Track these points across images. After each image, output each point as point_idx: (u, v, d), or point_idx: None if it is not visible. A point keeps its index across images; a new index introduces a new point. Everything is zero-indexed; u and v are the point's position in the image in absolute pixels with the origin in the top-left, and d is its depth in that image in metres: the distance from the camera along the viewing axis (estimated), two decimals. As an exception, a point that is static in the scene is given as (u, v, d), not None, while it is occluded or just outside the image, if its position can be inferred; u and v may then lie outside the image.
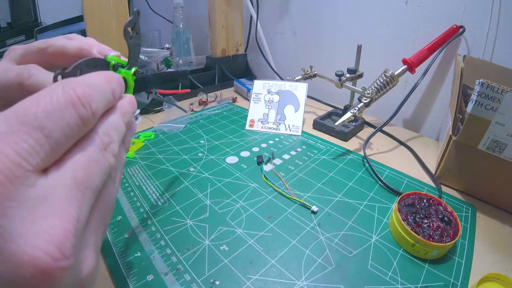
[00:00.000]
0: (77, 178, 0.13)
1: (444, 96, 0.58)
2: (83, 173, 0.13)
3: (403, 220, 0.31)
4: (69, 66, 0.17)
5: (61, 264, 0.11)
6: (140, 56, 0.82)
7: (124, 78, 0.21)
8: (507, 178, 0.35)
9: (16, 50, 0.20)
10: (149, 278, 0.28)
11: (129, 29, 0.20)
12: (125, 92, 0.21)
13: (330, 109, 0.65)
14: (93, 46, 0.21)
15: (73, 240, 0.12)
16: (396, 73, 0.50)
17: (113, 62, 0.20)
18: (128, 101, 0.19)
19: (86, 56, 0.20)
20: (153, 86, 0.26)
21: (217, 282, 0.27)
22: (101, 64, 0.20)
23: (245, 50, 0.95)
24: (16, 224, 0.11)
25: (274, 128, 0.58)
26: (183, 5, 0.94)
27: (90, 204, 0.14)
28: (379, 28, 0.63)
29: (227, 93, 0.82)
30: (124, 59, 0.22)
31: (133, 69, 0.21)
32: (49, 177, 0.12)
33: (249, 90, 0.75)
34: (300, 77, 0.63)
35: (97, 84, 0.15)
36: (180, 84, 0.78)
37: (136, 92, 0.23)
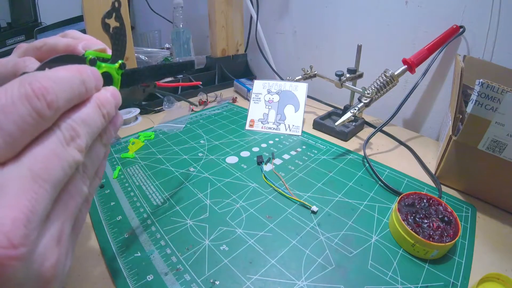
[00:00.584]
0: (34, 171, 0.13)
1: (444, 96, 0.58)
2: (40, 166, 0.13)
3: (403, 220, 0.31)
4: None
5: (9, 252, 0.11)
6: (140, 56, 0.82)
7: (107, 72, 0.20)
8: (507, 178, 0.35)
9: (21, 47, 0.21)
10: (149, 278, 0.28)
11: (110, 20, 0.20)
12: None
13: (330, 109, 0.65)
14: (80, 41, 0.20)
15: (24, 230, 0.12)
16: (396, 73, 0.50)
17: (90, 57, 0.19)
18: (110, 93, 0.18)
19: (73, 53, 0.20)
20: (148, 80, 0.24)
21: (217, 282, 0.27)
22: (77, 60, 0.19)
23: (245, 50, 0.95)
24: None
25: (274, 128, 0.58)
26: (183, 5, 0.94)
27: (50, 197, 0.13)
28: (379, 28, 0.63)
29: (227, 93, 0.82)
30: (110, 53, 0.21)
31: (118, 63, 0.21)
32: (4, 169, 0.12)
33: (249, 90, 0.75)
34: (300, 77, 0.63)
35: (60, 77, 0.15)
36: (181, 78, 0.78)
37: (126, 86, 0.22)
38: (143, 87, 0.25)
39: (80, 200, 0.16)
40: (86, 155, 0.16)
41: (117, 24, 0.20)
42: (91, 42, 0.21)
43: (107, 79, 0.20)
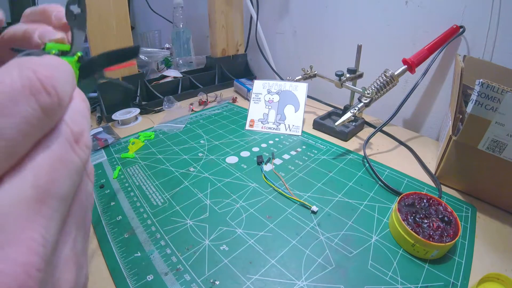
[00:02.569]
0: (40, 187, 0.10)
1: (444, 96, 0.58)
2: (47, 179, 0.10)
3: (403, 220, 0.31)
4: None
5: None
6: (140, 56, 0.82)
7: None
8: (507, 178, 0.35)
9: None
10: (149, 278, 0.28)
11: (74, 7, 0.17)
12: None
13: (330, 109, 0.65)
14: (35, 30, 0.17)
15: (39, 276, 0.09)
16: (396, 73, 0.50)
17: (53, 52, 0.16)
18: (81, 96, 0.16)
19: (29, 43, 0.17)
20: (102, 68, 0.22)
21: (217, 282, 0.27)
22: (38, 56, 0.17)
23: (245, 50, 0.95)
24: None
25: (274, 128, 0.58)
26: (183, 5, 0.94)
27: (61, 217, 0.11)
28: (379, 28, 0.63)
29: (227, 93, 0.82)
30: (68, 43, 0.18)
31: (77, 55, 0.18)
32: (1, 189, 0.09)
33: (249, 90, 0.75)
34: (300, 77, 0.63)
35: (57, 64, 0.11)
36: (180, 86, 0.78)
37: (83, 80, 0.20)
38: (94, 77, 0.22)
39: (90, 204, 0.13)
40: None
41: (79, 11, 0.18)
42: (46, 30, 0.17)
43: None
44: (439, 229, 0.31)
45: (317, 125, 0.59)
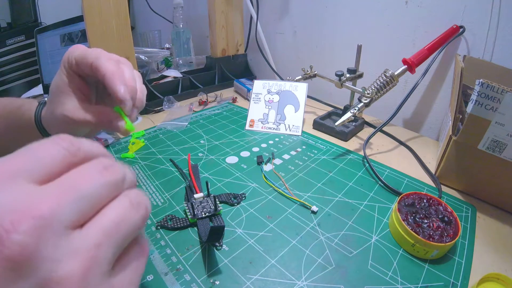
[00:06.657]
0: (107, 234, 0.14)
1: (444, 96, 0.58)
2: (112, 229, 0.14)
3: (403, 220, 0.31)
4: None
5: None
6: (140, 56, 0.82)
7: None
8: (507, 178, 0.35)
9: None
10: (149, 278, 0.28)
11: None
12: None
13: (330, 109, 0.65)
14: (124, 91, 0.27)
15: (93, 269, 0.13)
16: (396, 73, 0.50)
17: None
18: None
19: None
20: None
21: (217, 282, 0.27)
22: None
23: (245, 50, 0.95)
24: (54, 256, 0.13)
25: (274, 128, 0.58)
26: (183, 5, 0.94)
27: (115, 253, 0.15)
28: (379, 28, 0.63)
29: (227, 93, 0.82)
30: None
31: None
32: (86, 230, 0.14)
33: (249, 90, 0.75)
34: (300, 77, 0.63)
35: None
36: (180, 86, 0.78)
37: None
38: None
39: (143, 251, 0.17)
40: None
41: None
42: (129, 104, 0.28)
43: None
44: (439, 229, 0.31)
45: (317, 125, 0.59)
